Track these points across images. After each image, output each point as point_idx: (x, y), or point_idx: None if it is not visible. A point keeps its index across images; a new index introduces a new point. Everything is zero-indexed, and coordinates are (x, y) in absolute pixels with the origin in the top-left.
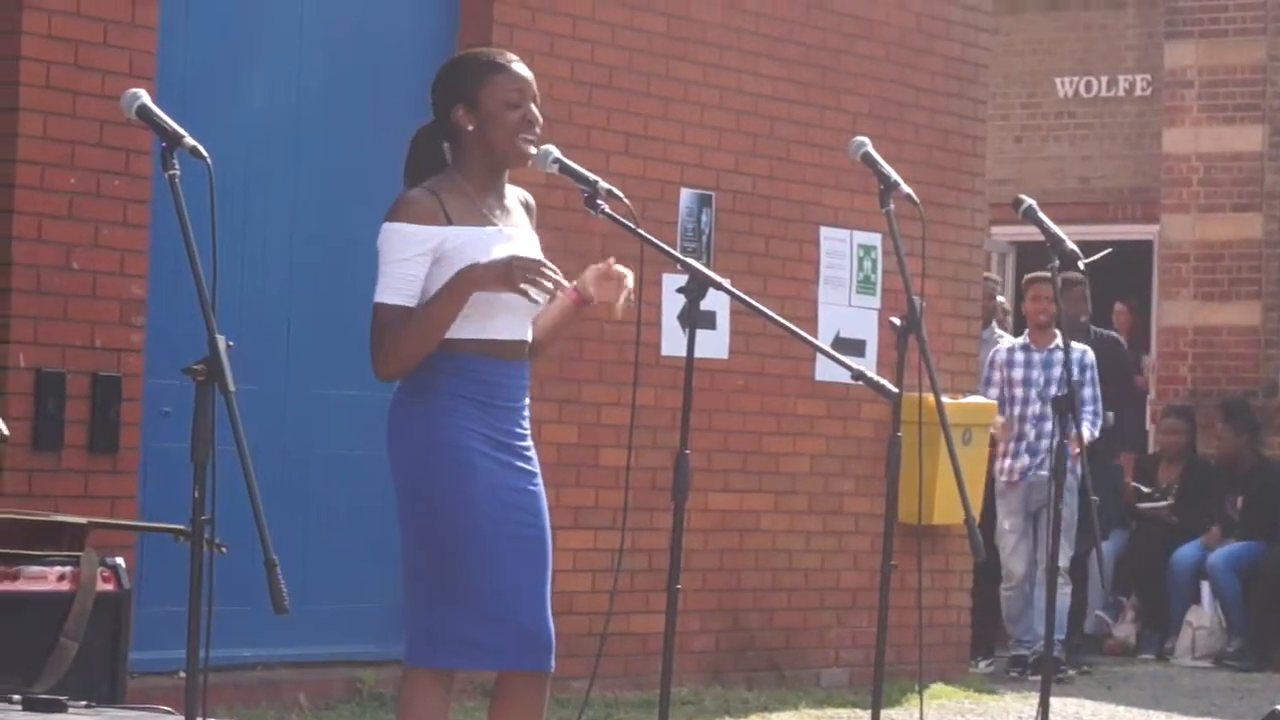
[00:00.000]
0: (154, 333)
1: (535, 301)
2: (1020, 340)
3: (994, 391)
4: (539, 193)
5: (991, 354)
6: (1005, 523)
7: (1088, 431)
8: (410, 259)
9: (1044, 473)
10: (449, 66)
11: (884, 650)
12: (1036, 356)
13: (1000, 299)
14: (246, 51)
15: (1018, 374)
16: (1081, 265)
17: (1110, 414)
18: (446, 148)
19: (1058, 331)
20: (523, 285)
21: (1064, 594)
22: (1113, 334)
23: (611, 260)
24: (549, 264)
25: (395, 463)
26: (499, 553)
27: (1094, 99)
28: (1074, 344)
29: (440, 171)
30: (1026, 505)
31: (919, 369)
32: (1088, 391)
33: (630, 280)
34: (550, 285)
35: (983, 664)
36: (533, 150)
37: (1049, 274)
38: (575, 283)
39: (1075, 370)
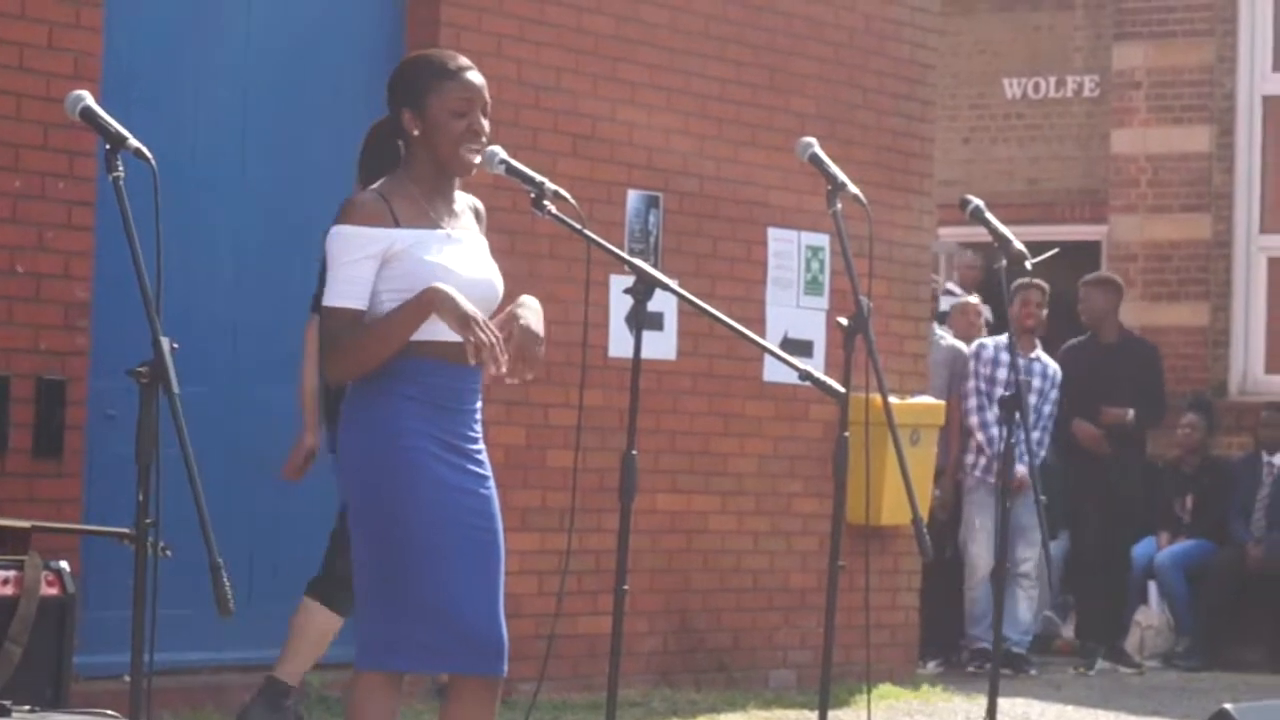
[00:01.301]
0: (99, 336)
1: (470, 363)
2: (1005, 339)
3: (971, 384)
4: (486, 194)
5: (976, 349)
6: (975, 520)
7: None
8: (358, 261)
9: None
10: (401, 68)
11: (831, 651)
12: (1019, 362)
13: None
14: (192, 53)
15: (1001, 374)
16: (1028, 265)
17: (1131, 411)
18: (401, 145)
19: (1038, 341)
20: (470, 342)
21: (1029, 595)
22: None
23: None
24: (501, 345)
25: (345, 465)
26: (450, 556)
27: (1042, 100)
28: (1048, 360)
29: (393, 169)
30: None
31: (866, 369)
32: (1046, 409)
33: (522, 339)
34: (490, 365)
35: (931, 665)
36: (476, 160)
37: (1037, 280)
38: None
39: (1048, 385)
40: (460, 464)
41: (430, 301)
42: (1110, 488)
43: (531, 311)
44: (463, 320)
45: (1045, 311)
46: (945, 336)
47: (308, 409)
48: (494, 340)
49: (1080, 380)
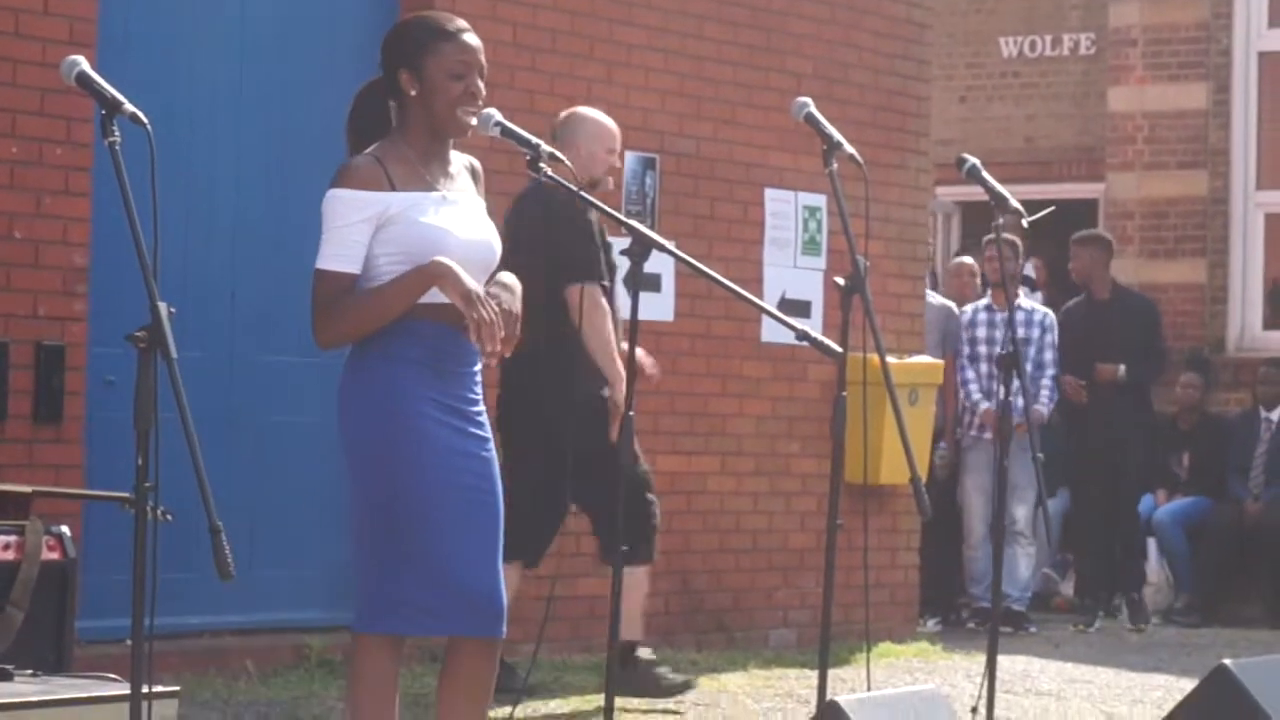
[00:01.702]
0: (97, 301)
1: (474, 346)
2: (984, 301)
3: (967, 349)
4: (482, 156)
5: (962, 316)
6: (968, 480)
7: (1045, 399)
8: (353, 224)
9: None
10: (399, 28)
11: (831, 610)
12: (999, 316)
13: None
14: (187, 17)
15: (981, 333)
16: (1025, 224)
17: (1122, 367)
18: (392, 106)
19: (1022, 290)
20: (473, 319)
21: (1028, 553)
22: (1143, 295)
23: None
24: (500, 324)
25: (345, 427)
26: (449, 518)
27: (1038, 58)
28: (1035, 306)
29: (383, 131)
30: (990, 463)
31: (864, 329)
32: (1048, 355)
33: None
34: (487, 343)
35: (930, 622)
36: (473, 122)
37: (1008, 235)
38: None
39: (1036, 331)
40: (460, 426)
41: (434, 274)
42: (1112, 444)
43: (508, 291)
44: (466, 296)
45: (1015, 265)
46: (936, 296)
47: (612, 367)
48: (494, 318)
49: (1076, 338)
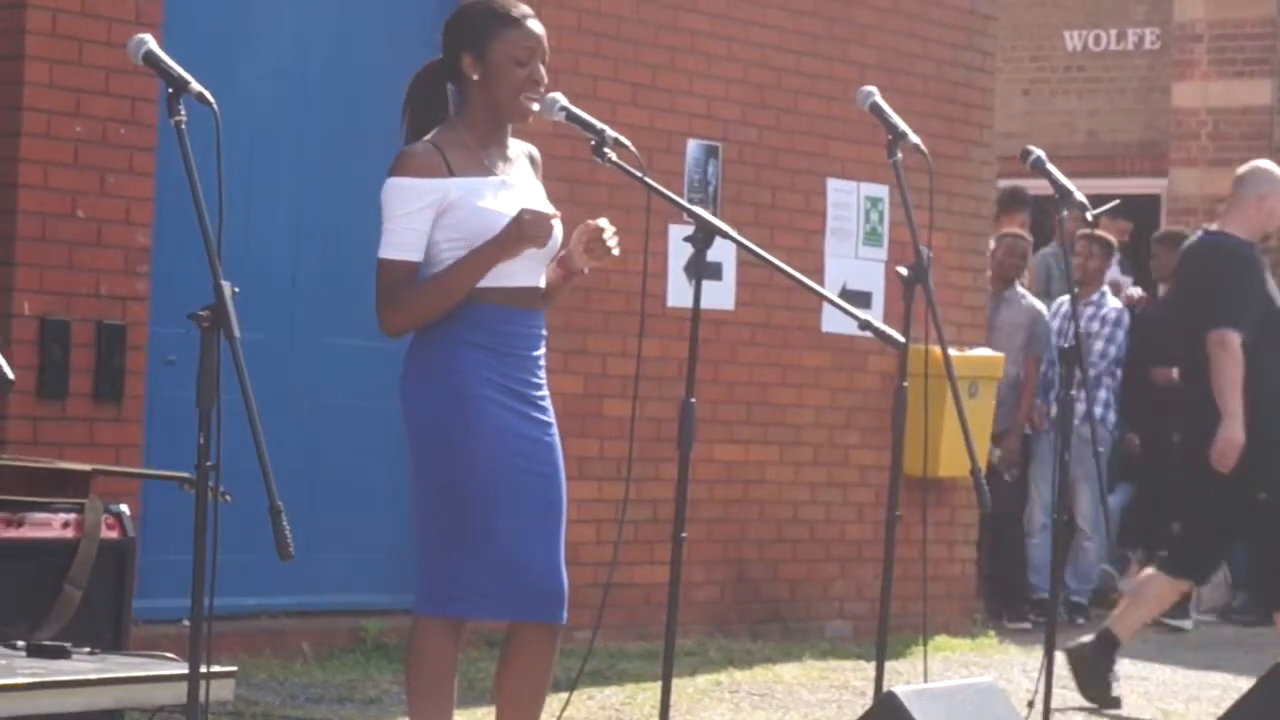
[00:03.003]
0: (159, 281)
1: (542, 246)
2: (1065, 297)
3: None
4: (545, 141)
5: (1055, 306)
6: (1034, 470)
7: (1103, 395)
8: (413, 213)
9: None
10: (463, 10)
11: (888, 602)
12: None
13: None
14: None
15: (1055, 324)
16: (1089, 217)
17: (1175, 369)
18: (451, 90)
19: (1106, 288)
20: (534, 234)
21: (1089, 546)
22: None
23: (588, 224)
24: (546, 214)
25: (408, 411)
26: (511, 502)
27: (1103, 52)
28: (1109, 301)
29: (440, 114)
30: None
31: (925, 321)
32: (1113, 350)
33: (607, 228)
34: (548, 225)
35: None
36: (535, 108)
37: (1095, 230)
38: (563, 253)
39: (1097, 325)
40: (524, 411)
41: (489, 249)
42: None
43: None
44: (513, 233)
45: (1102, 261)
46: (1026, 296)
47: (1227, 409)
48: (544, 216)
49: (1148, 336)
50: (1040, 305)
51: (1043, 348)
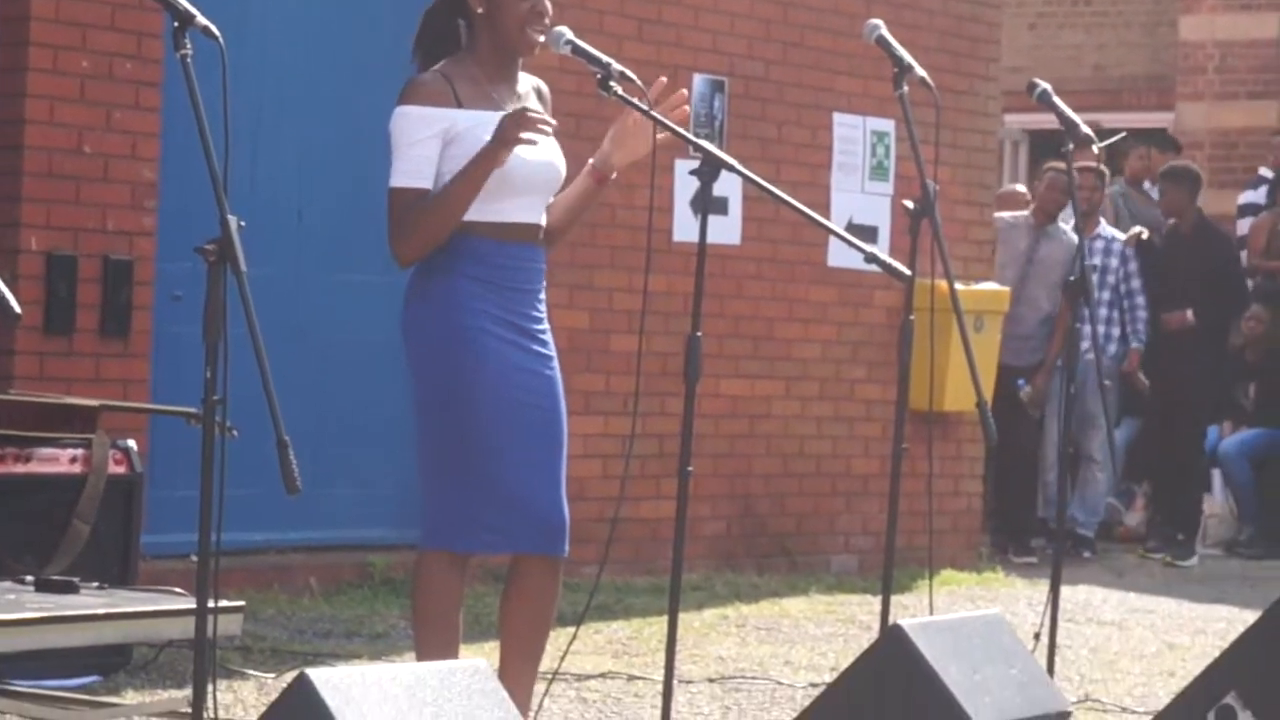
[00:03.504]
0: (165, 217)
1: (534, 143)
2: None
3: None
4: (551, 76)
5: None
6: (1048, 406)
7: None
8: (422, 140)
9: (1089, 357)
10: None
11: (894, 536)
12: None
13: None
14: None
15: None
16: (1096, 150)
17: (1189, 312)
18: (461, 26)
19: (1101, 219)
20: (522, 135)
21: (1099, 479)
22: (1223, 230)
23: (628, 113)
24: (533, 110)
25: (409, 346)
26: (511, 435)
27: None
28: (1116, 234)
29: (451, 51)
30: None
31: (932, 255)
32: (1135, 284)
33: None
34: (541, 127)
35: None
36: (540, 39)
37: (1088, 163)
38: (594, 160)
39: (1115, 261)
40: (524, 344)
41: (480, 159)
42: (1180, 378)
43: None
44: (499, 137)
45: (1101, 193)
46: (1067, 231)
47: None
48: (524, 111)
49: (1154, 273)
50: (1113, 232)
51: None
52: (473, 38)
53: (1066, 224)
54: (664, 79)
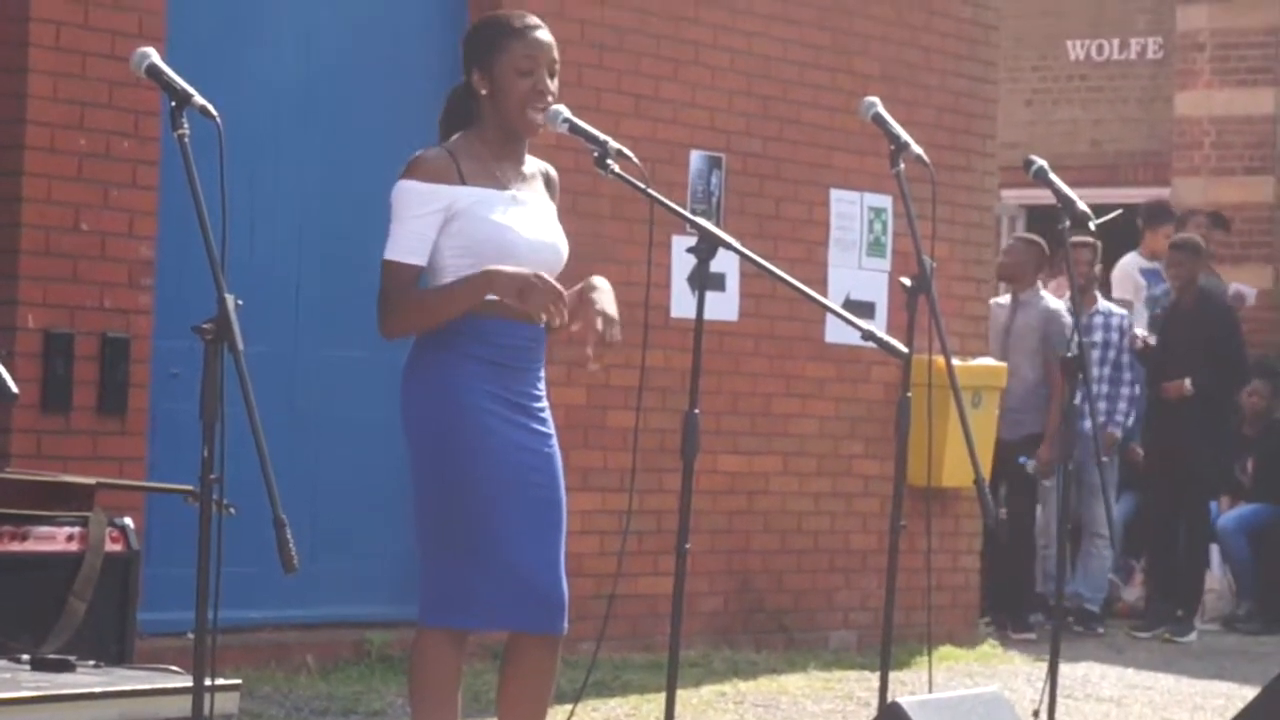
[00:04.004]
0: (163, 295)
1: (537, 321)
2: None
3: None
4: (549, 154)
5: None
6: (1046, 481)
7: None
8: (421, 216)
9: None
10: (473, 28)
11: (892, 612)
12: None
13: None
14: (256, 13)
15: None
16: (1092, 226)
17: (1187, 381)
18: (474, 107)
19: (1099, 294)
20: (531, 310)
21: (1104, 556)
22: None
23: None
24: (560, 297)
25: (409, 422)
26: (512, 513)
27: (1105, 62)
28: (1113, 308)
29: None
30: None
31: (929, 331)
32: (1125, 359)
33: (603, 326)
34: (556, 318)
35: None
36: (540, 120)
37: (1090, 238)
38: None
39: (1115, 335)
40: (523, 422)
41: (485, 281)
42: (1180, 451)
43: (604, 294)
44: (520, 287)
45: (1098, 268)
46: (1044, 298)
47: None
48: (550, 292)
49: (1159, 343)
50: (1056, 304)
51: (1059, 346)
52: (478, 116)
53: (1044, 293)
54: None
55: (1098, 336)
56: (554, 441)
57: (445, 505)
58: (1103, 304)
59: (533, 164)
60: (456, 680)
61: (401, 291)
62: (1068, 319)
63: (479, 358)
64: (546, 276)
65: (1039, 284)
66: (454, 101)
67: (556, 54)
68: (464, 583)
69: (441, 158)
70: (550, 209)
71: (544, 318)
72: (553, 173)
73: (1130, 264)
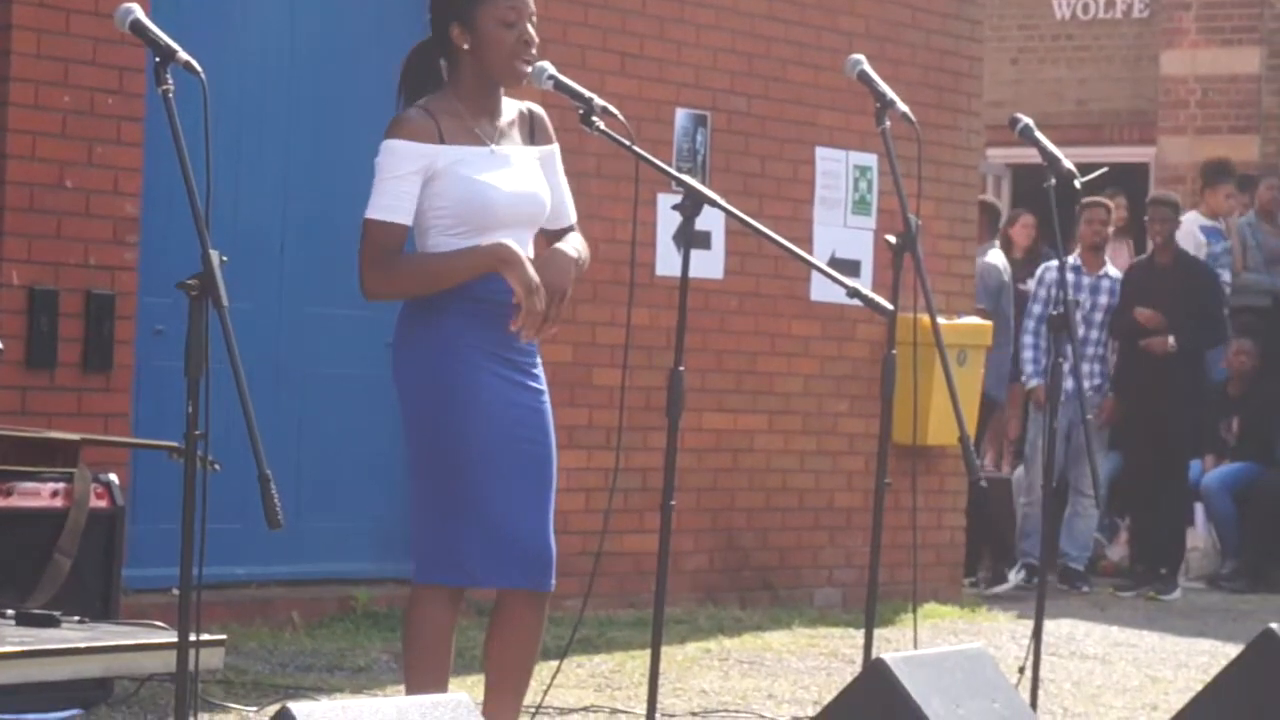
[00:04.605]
0: (147, 251)
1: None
2: (1071, 261)
3: (1037, 308)
4: None
5: (1041, 272)
6: (1038, 439)
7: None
8: (403, 176)
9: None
10: None
11: (877, 570)
12: (1085, 280)
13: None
14: None
15: (1045, 292)
16: (1078, 184)
17: (1171, 338)
18: (443, 65)
19: (1108, 258)
20: (526, 309)
21: (1090, 515)
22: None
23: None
24: (551, 318)
25: (400, 380)
26: (503, 469)
27: (1091, 21)
28: (1116, 275)
29: (433, 88)
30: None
31: (914, 289)
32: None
33: (543, 325)
34: (527, 335)
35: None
36: (528, 70)
37: (1102, 199)
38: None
39: (1105, 298)
40: (516, 378)
41: (500, 259)
42: (1162, 410)
43: (558, 270)
44: (527, 287)
45: (1111, 229)
46: (990, 255)
47: None
48: (543, 312)
49: (1135, 301)
50: (995, 260)
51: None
52: (455, 73)
53: (992, 252)
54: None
55: (1103, 299)
56: (546, 398)
57: (438, 462)
58: (1111, 269)
59: (510, 110)
60: (449, 637)
61: (384, 251)
62: (999, 276)
63: (471, 313)
64: (544, 300)
65: (992, 244)
66: (415, 60)
67: (533, 3)
68: (456, 540)
69: (421, 117)
70: (530, 158)
71: (519, 327)
72: (538, 111)
73: (1191, 221)
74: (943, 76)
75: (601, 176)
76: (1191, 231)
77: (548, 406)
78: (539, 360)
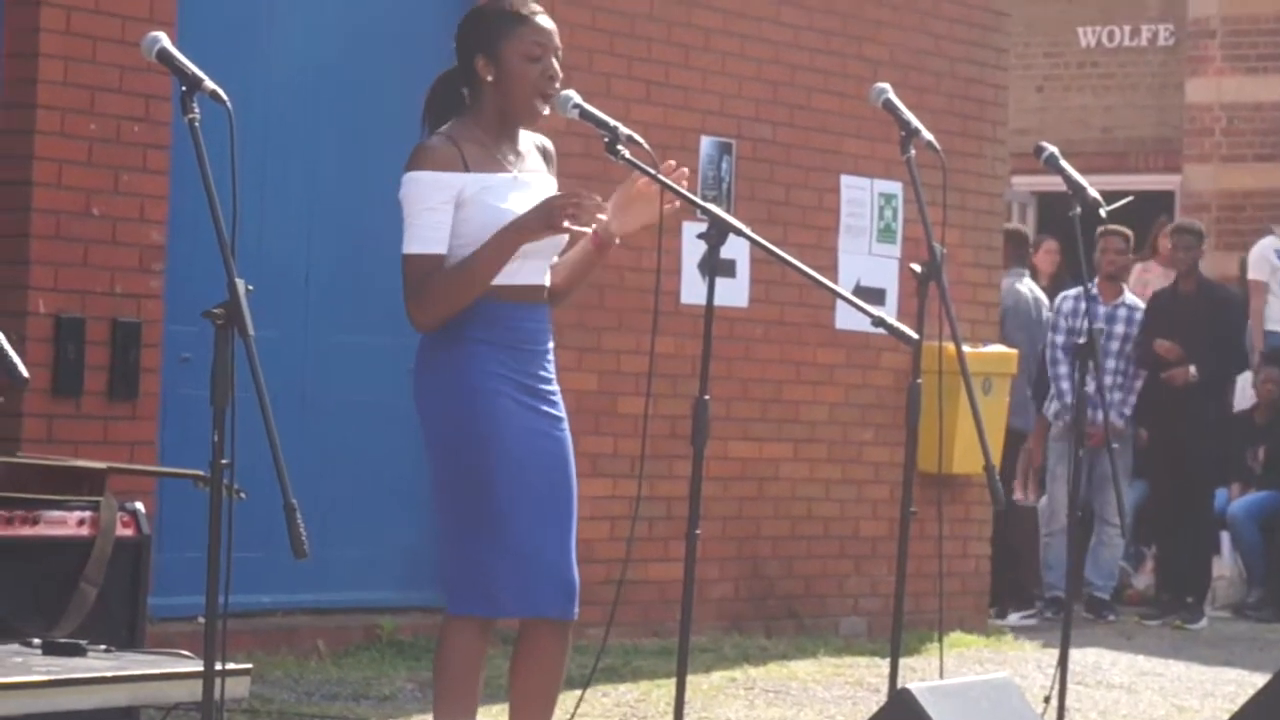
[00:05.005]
0: (173, 279)
1: (586, 232)
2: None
3: (1060, 338)
4: (558, 139)
5: (1059, 302)
6: (1057, 468)
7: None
8: (435, 207)
9: (1097, 420)
10: (474, 14)
11: (903, 599)
12: (1102, 309)
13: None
14: None
15: (1081, 324)
16: (1103, 213)
17: (1192, 367)
18: (466, 93)
19: (1124, 286)
20: (565, 222)
21: (1116, 544)
22: (1229, 288)
23: (635, 177)
24: (583, 192)
25: (423, 410)
26: (527, 498)
27: (1117, 49)
28: (1135, 303)
29: (455, 115)
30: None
31: (939, 317)
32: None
33: (673, 172)
34: (591, 210)
35: (1015, 616)
36: (545, 110)
37: (1119, 227)
38: (595, 226)
39: (1134, 330)
40: (536, 406)
41: (519, 227)
42: (1186, 438)
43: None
44: (543, 216)
45: (1128, 258)
46: (1021, 284)
47: None
48: (576, 195)
49: (1158, 329)
50: (1028, 290)
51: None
52: (476, 101)
53: (1025, 280)
54: (672, 162)
55: (1119, 329)
56: (565, 425)
57: (461, 492)
58: (1129, 297)
59: (526, 140)
60: (480, 667)
61: (429, 280)
62: (1035, 308)
63: (489, 341)
64: (561, 194)
65: (1023, 272)
66: (441, 88)
67: (558, 40)
68: (486, 570)
69: (445, 146)
70: (552, 185)
71: (585, 220)
72: (549, 145)
73: (1267, 245)
74: (968, 104)
75: None
76: (1266, 255)
77: (568, 435)
78: (557, 388)
